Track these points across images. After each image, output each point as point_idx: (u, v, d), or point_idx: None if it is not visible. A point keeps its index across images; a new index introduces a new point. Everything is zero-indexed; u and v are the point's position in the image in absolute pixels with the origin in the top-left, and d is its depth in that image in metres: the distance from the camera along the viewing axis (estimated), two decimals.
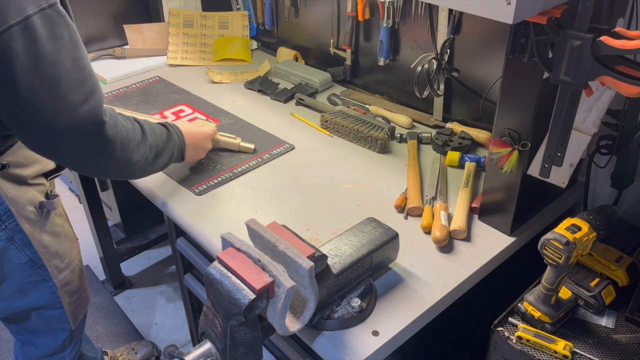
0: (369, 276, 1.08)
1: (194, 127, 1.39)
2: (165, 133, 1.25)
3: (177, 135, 1.29)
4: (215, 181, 1.42)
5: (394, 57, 1.72)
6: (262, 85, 1.87)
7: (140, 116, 1.59)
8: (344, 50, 1.85)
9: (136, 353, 1.99)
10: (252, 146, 1.53)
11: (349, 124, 1.57)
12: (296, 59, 2.05)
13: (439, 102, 1.63)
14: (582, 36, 0.85)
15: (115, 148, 1.05)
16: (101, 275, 2.44)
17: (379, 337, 0.99)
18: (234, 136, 1.53)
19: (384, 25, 1.64)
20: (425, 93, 1.57)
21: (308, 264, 0.89)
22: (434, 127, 1.62)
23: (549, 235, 1.00)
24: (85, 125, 1.00)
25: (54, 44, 0.95)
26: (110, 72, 2.00)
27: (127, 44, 2.18)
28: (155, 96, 1.86)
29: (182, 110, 1.76)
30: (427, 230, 1.23)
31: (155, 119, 1.60)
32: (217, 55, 2.11)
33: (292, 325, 0.96)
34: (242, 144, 1.52)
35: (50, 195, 1.28)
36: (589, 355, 1.04)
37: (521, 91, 1.05)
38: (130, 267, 2.50)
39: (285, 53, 2.07)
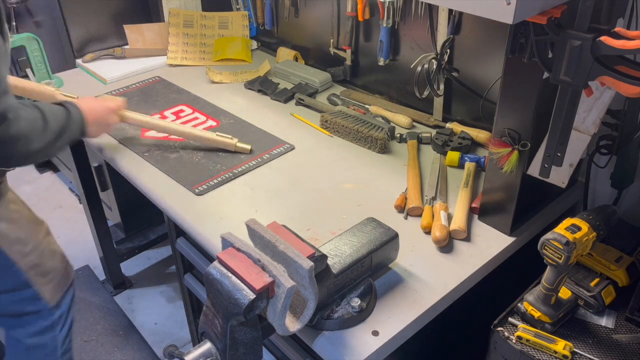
0: (369, 276, 1.08)
1: (95, 103, 1.41)
2: (64, 114, 1.26)
3: (77, 114, 1.30)
4: (215, 181, 1.42)
5: (394, 57, 1.72)
6: (262, 85, 1.87)
7: (37, 89, 1.58)
8: (344, 50, 1.85)
9: None
10: (248, 147, 1.53)
11: (349, 124, 1.57)
12: (296, 59, 2.05)
13: (438, 102, 1.63)
14: (582, 36, 0.85)
15: (19, 142, 1.09)
16: (101, 275, 2.43)
17: (379, 337, 0.99)
18: (230, 136, 1.53)
19: (384, 25, 1.64)
20: (425, 93, 1.57)
21: (308, 264, 0.89)
22: (434, 127, 1.62)
23: (549, 235, 1.00)
24: None
25: None
26: (110, 72, 2.00)
27: (127, 44, 2.18)
28: (155, 96, 1.86)
29: (182, 110, 1.76)
30: (427, 230, 1.23)
31: (54, 91, 1.59)
32: (217, 55, 2.11)
33: (292, 325, 0.96)
34: (238, 144, 1.52)
35: None
36: (589, 355, 1.04)
37: (521, 91, 1.05)
38: (130, 267, 2.50)
39: (285, 53, 2.07)
